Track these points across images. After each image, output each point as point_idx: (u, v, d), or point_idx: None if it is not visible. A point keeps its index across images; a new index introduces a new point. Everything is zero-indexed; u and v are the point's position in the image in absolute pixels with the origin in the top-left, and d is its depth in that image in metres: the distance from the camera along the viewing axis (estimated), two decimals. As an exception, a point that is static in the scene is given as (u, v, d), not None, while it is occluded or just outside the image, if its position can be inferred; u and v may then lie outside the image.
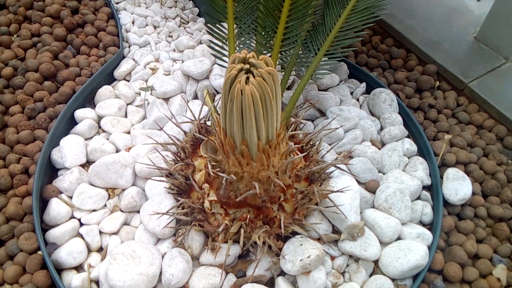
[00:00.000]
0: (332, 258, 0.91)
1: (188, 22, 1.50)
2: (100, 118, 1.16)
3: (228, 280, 0.87)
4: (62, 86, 1.20)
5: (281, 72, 1.10)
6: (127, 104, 1.21)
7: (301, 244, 0.86)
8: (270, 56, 1.01)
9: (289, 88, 1.25)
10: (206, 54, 1.27)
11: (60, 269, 0.91)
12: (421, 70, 1.34)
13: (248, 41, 1.07)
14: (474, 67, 1.32)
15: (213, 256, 0.88)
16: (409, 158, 1.10)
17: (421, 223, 1.00)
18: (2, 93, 1.18)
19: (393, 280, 0.88)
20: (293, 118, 1.04)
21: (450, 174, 1.03)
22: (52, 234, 0.93)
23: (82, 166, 1.05)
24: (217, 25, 1.07)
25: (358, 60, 1.37)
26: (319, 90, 1.23)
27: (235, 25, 1.04)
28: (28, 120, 1.14)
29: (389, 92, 1.18)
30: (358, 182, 1.00)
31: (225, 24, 1.05)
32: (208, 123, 1.03)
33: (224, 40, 1.07)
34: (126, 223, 0.99)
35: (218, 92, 1.21)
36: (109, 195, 1.01)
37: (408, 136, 1.15)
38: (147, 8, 1.52)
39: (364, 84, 1.26)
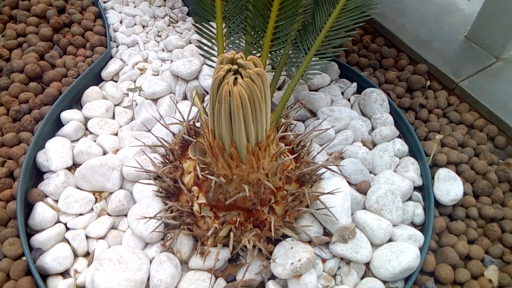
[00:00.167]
0: (323, 260, 0.90)
1: (177, 22, 1.48)
2: (87, 119, 1.13)
3: (217, 285, 0.86)
4: (48, 87, 1.18)
5: (271, 72, 1.08)
6: (115, 105, 1.18)
7: (292, 247, 0.85)
8: (260, 56, 1.00)
9: (279, 88, 1.23)
10: (196, 54, 1.26)
11: (45, 275, 0.89)
12: (412, 70, 1.33)
13: (237, 41, 1.06)
14: (465, 67, 1.32)
15: (202, 260, 0.87)
16: (400, 158, 1.09)
17: (413, 224, 0.99)
18: (-14, 95, 1.15)
19: (384, 282, 0.87)
20: (283, 119, 1.03)
21: (441, 174, 1.03)
22: (37, 239, 0.91)
23: (68, 169, 1.03)
24: (205, 24, 1.05)
25: (349, 60, 1.36)
26: (310, 90, 1.22)
27: (224, 25, 1.03)
28: (13, 122, 1.12)
29: (380, 92, 1.18)
30: (349, 183, 0.99)
31: (214, 24, 1.03)
32: (198, 124, 1.02)
33: (213, 40, 1.05)
34: (113, 227, 0.97)
35: (207, 93, 1.19)
36: (96, 198, 0.99)
37: (399, 136, 1.14)
38: (135, 7, 1.49)
39: (355, 84, 1.25)
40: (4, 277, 0.87)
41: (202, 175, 0.82)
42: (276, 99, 1.16)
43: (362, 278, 0.89)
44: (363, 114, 1.19)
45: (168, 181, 0.90)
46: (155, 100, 1.18)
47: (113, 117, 1.16)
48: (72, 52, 1.30)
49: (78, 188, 0.99)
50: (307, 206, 0.89)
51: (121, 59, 1.31)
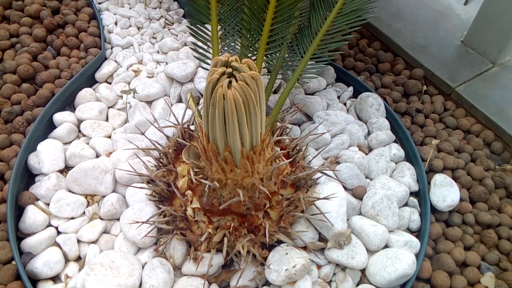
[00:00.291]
0: (319, 267, 0.89)
1: (172, 24, 1.47)
2: (80, 121, 1.12)
3: (211, 291, 0.85)
4: (40, 88, 1.16)
5: (267, 75, 1.07)
6: (108, 108, 1.17)
7: (287, 253, 0.84)
8: (255, 59, 0.99)
9: (275, 92, 1.23)
10: (191, 57, 1.25)
11: (35, 280, 0.87)
12: (408, 74, 1.33)
13: (232, 44, 1.05)
14: (461, 72, 1.31)
15: (195, 266, 0.85)
16: (396, 163, 1.08)
17: (409, 230, 0.98)
18: (-22, 96, 1.14)
19: (380, 289, 0.86)
20: (279, 123, 1.02)
21: (438, 180, 1.02)
22: (28, 243, 0.89)
23: (60, 171, 1.01)
24: (200, 27, 1.04)
25: (345, 64, 1.35)
26: (305, 94, 1.21)
27: (219, 27, 1.02)
28: (5, 123, 1.10)
29: (376, 96, 1.17)
30: (345, 188, 0.98)
31: (209, 26, 1.02)
32: (192, 127, 1.00)
33: (208, 43, 1.04)
34: (105, 232, 0.95)
35: (202, 96, 1.18)
36: (88, 202, 0.98)
37: (395, 141, 1.13)
38: (130, 8, 1.48)
39: (351, 88, 1.24)
40: (-7, 282, 0.85)
41: (196, 179, 0.81)
42: (271, 102, 1.15)
43: (357, 284, 0.88)
44: (359, 119, 1.18)
45: (162, 185, 0.88)
46: (149, 103, 1.17)
47: (107, 120, 1.15)
48: (65, 53, 1.28)
49: (70, 191, 0.97)
50: (303, 211, 0.88)
51: (116, 61, 1.29)
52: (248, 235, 0.84)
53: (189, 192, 0.88)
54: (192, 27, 1.05)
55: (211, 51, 1.03)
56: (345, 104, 1.22)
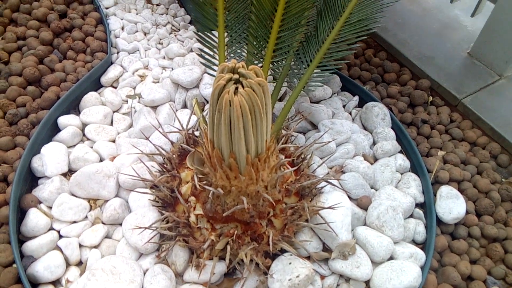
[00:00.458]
0: (322, 277, 0.88)
1: (179, 30, 1.48)
2: (84, 125, 1.12)
3: (212, 299, 0.84)
4: (46, 91, 1.16)
5: (273, 83, 1.07)
6: (113, 112, 1.17)
7: (290, 263, 0.83)
8: (261, 67, 0.98)
9: (280, 100, 1.22)
10: (196, 63, 1.25)
11: (36, 284, 0.86)
12: (414, 85, 1.32)
13: (239, 51, 1.05)
14: (467, 83, 1.31)
15: (197, 273, 0.84)
16: (401, 174, 1.08)
17: (414, 242, 0.97)
18: (-17, 97, 1.14)
19: (384, 301, 0.85)
20: (284, 131, 1.01)
21: (444, 192, 1.01)
22: (29, 246, 0.88)
23: (64, 175, 1.00)
24: (207, 33, 1.04)
25: (351, 73, 1.35)
26: (311, 102, 1.21)
27: (225, 34, 1.01)
28: (9, 125, 1.10)
29: (382, 106, 1.16)
30: (350, 198, 0.97)
31: (215, 33, 1.02)
32: (197, 133, 1.00)
33: (214, 49, 1.04)
34: (107, 236, 0.94)
35: (207, 102, 1.18)
36: (90, 206, 0.97)
37: (401, 152, 1.12)
38: (137, 14, 1.49)
39: (356, 98, 1.24)
40: (-8, 285, 0.84)
41: (200, 185, 0.81)
42: (277, 110, 1.14)
43: (361, 296, 0.87)
44: (365, 128, 1.17)
45: (165, 191, 0.88)
46: (154, 108, 1.17)
47: (111, 124, 1.15)
48: (72, 57, 1.28)
49: (72, 195, 0.97)
50: (307, 221, 0.87)
51: (121, 66, 1.29)
52: (252, 243, 0.83)
53: (192, 198, 0.87)
54: (199, 33, 1.05)
55: (217, 57, 1.03)
56: (350, 113, 1.21)
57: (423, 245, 0.96)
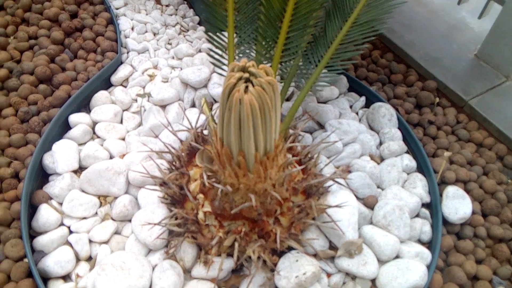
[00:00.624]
0: (328, 275, 0.88)
1: (188, 30, 1.49)
2: (94, 123, 1.13)
3: (220, 295, 0.85)
4: (57, 90, 1.18)
5: (281, 83, 1.08)
6: (123, 110, 1.18)
7: (297, 260, 0.84)
8: (270, 67, 0.99)
9: (288, 100, 1.23)
10: (205, 63, 1.26)
11: (46, 278, 0.88)
12: (421, 86, 1.33)
13: (248, 51, 1.06)
14: (474, 85, 1.31)
15: (205, 269, 0.85)
16: (408, 174, 1.08)
17: (420, 241, 0.98)
18: (-4, 95, 1.16)
19: (390, 299, 0.85)
20: (291, 130, 1.02)
21: (450, 192, 1.01)
22: (40, 241, 0.90)
23: (74, 172, 1.02)
24: (217, 33, 1.05)
25: (358, 74, 1.36)
26: (318, 102, 1.22)
27: (235, 34, 1.03)
28: (21, 123, 1.12)
29: (389, 106, 1.17)
30: (356, 198, 0.98)
31: (225, 33, 1.03)
32: (205, 132, 1.01)
33: (223, 49, 1.05)
34: (117, 232, 0.96)
35: (216, 101, 1.19)
36: (100, 202, 0.99)
37: (407, 152, 1.13)
38: (147, 14, 1.51)
39: (363, 98, 1.25)
40: (5, 278, 0.86)
41: (208, 182, 0.82)
42: (284, 110, 1.15)
43: (367, 294, 0.88)
44: (371, 129, 1.18)
45: (174, 188, 0.89)
46: (163, 107, 1.18)
47: (121, 122, 1.16)
48: (82, 56, 1.30)
49: (83, 191, 0.98)
50: (314, 219, 0.88)
51: (131, 65, 1.31)
52: (259, 241, 0.84)
53: (201, 195, 0.89)
54: (209, 33, 1.06)
55: (226, 57, 1.04)
56: (357, 114, 1.22)
57: (429, 245, 0.97)
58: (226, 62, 1.06)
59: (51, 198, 0.97)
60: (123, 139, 1.11)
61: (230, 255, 0.86)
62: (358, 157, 1.07)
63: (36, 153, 1.00)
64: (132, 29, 1.44)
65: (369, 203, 0.98)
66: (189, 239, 0.87)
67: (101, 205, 0.98)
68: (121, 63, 1.32)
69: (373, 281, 0.88)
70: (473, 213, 1.01)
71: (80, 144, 1.08)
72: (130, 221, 0.96)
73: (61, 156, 1.01)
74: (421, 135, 1.21)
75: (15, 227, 0.93)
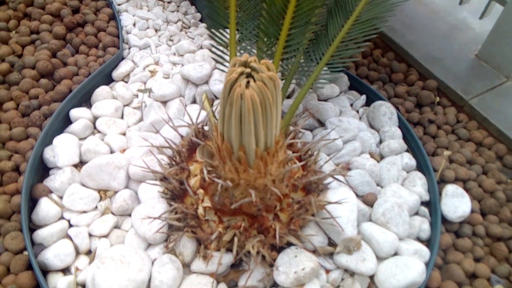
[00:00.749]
0: (327, 271, 0.89)
1: (189, 27, 1.49)
2: (95, 118, 1.14)
3: (219, 290, 0.85)
4: (58, 84, 1.18)
5: (282, 80, 1.08)
6: (124, 106, 1.19)
7: (296, 256, 0.84)
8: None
9: (289, 97, 1.23)
10: (207, 59, 1.26)
11: (46, 271, 0.88)
12: (421, 85, 1.33)
13: (249, 47, 1.06)
14: (474, 85, 1.32)
15: (204, 264, 0.86)
16: (408, 172, 1.08)
17: (419, 239, 0.98)
18: (-3, 89, 1.16)
19: (388, 296, 0.86)
20: (292, 127, 1.02)
21: (449, 190, 1.02)
22: (40, 234, 0.90)
23: (75, 166, 1.02)
24: (219, 30, 1.06)
25: (359, 73, 1.36)
26: (319, 100, 1.22)
27: (236, 31, 1.03)
28: (22, 117, 1.12)
29: (389, 105, 1.17)
30: (356, 195, 0.98)
31: (226, 29, 1.03)
32: (206, 128, 1.01)
33: (225, 45, 1.06)
34: (116, 227, 0.96)
35: (217, 98, 1.19)
36: (100, 197, 0.99)
37: (407, 151, 1.13)
38: (149, 11, 1.51)
39: (364, 97, 1.25)
40: (5, 270, 0.86)
41: (208, 177, 0.82)
42: (285, 107, 1.16)
43: (365, 291, 0.88)
44: (371, 127, 1.18)
45: (174, 183, 0.89)
46: (164, 103, 1.18)
47: (122, 117, 1.17)
48: (84, 52, 1.31)
49: (83, 185, 0.99)
50: (313, 215, 0.88)
51: (133, 61, 1.31)
52: (258, 236, 0.84)
53: (201, 191, 0.89)
54: (212, 30, 1.07)
55: (228, 53, 1.04)
56: (357, 112, 1.22)
57: (427, 243, 0.97)
58: (227, 58, 1.06)
59: (51, 192, 0.98)
60: (124, 134, 1.12)
61: (229, 250, 0.86)
62: (358, 155, 1.08)
63: (37, 147, 1.00)
64: (134, 25, 1.44)
65: (369, 200, 0.98)
66: (188, 234, 0.87)
67: (101, 199, 0.99)
68: (123, 58, 1.32)
69: (372, 277, 0.89)
70: (472, 211, 1.01)
71: (80, 139, 1.08)
72: (130, 215, 0.96)
73: (61, 150, 1.01)
74: (421, 134, 1.21)
75: (15, 220, 0.93)
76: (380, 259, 0.89)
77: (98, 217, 0.96)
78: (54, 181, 0.97)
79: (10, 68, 1.21)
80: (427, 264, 0.90)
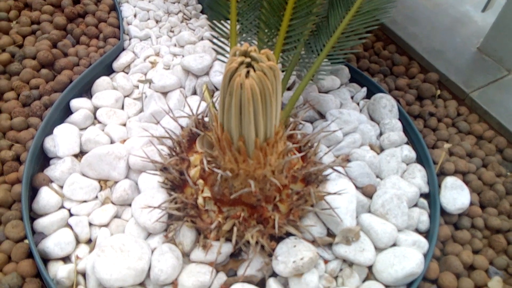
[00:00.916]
0: (326, 261, 0.89)
1: (190, 18, 1.49)
2: (96, 108, 1.14)
3: (218, 279, 0.85)
4: (59, 74, 1.19)
5: (282, 71, 1.08)
6: (125, 96, 1.19)
7: (295, 246, 0.85)
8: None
9: (289, 89, 1.23)
10: (207, 50, 1.26)
11: (46, 259, 0.89)
12: (422, 78, 1.33)
13: (249, 38, 1.06)
14: (476, 78, 1.31)
15: (204, 253, 0.86)
16: (407, 165, 1.09)
17: (417, 230, 0.98)
18: (-2, 79, 1.16)
19: (387, 287, 0.86)
20: (292, 118, 1.02)
21: (449, 182, 1.02)
22: (40, 223, 0.91)
23: (75, 156, 1.03)
24: (220, 20, 1.05)
25: (360, 65, 1.36)
26: (319, 92, 1.22)
27: (237, 22, 1.03)
28: (23, 107, 1.12)
29: (390, 98, 1.17)
30: (355, 187, 0.98)
31: (227, 20, 1.03)
32: (206, 119, 1.02)
33: (226, 36, 1.05)
34: (117, 216, 0.96)
35: (217, 89, 1.19)
36: (101, 186, 0.99)
37: (407, 143, 1.13)
38: (149, 2, 1.50)
39: (365, 89, 1.25)
40: (6, 258, 0.87)
41: (208, 168, 0.82)
42: (285, 99, 1.16)
43: (364, 281, 0.88)
44: (372, 119, 1.18)
45: (174, 173, 0.89)
46: (164, 94, 1.18)
47: (122, 108, 1.17)
48: (85, 42, 1.30)
49: (83, 175, 0.99)
50: (312, 206, 0.89)
51: (133, 52, 1.31)
52: (257, 226, 0.84)
53: (200, 181, 0.89)
54: (214, 21, 1.06)
55: (229, 44, 1.04)
56: (358, 104, 1.22)
57: (426, 234, 0.97)
58: (228, 49, 1.06)
59: (51, 181, 0.98)
60: (124, 124, 1.12)
61: (228, 239, 0.86)
62: (358, 147, 1.08)
63: (37, 137, 1.01)
64: (135, 16, 1.44)
65: (368, 192, 0.99)
66: (188, 223, 0.88)
67: (101, 189, 0.99)
68: (123, 49, 1.32)
69: (370, 268, 0.89)
70: (471, 204, 1.02)
71: (81, 129, 1.08)
72: (130, 205, 0.96)
73: (62, 140, 1.01)
74: (422, 126, 1.21)
75: (15, 209, 0.94)
76: (378, 249, 0.90)
77: (98, 207, 0.96)
78: (54, 170, 0.98)
79: (10, 58, 1.21)
80: (425, 255, 0.90)
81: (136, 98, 1.19)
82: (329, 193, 0.88)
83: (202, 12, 1.52)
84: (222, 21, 1.06)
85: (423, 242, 0.92)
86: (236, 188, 0.82)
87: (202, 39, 1.36)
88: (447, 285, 0.89)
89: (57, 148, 1.01)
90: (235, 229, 0.84)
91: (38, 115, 1.10)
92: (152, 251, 0.87)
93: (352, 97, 1.24)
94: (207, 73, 1.20)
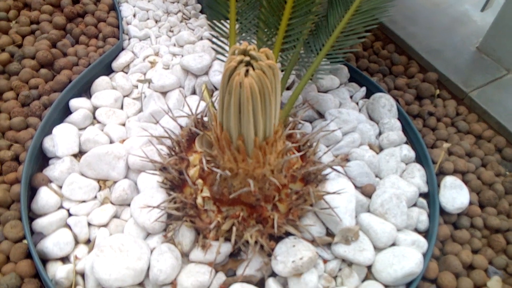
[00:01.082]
0: (325, 261, 0.89)
1: (190, 18, 1.49)
2: (95, 108, 1.14)
3: (217, 279, 0.85)
4: (58, 74, 1.18)
5: (282, 71, 1.08)
6: (124, 96, 1.19)
7: (294, 245, 0.85)
8: (271, 53, 0.99)
9: (288, 88, 1.23)
10: (207, 50, 1.26)
11: (45, 260, 0.89)
12: (421, 78, 1.33)
13: (249, 38, 1.06)
14: (475, 77, 1.31)
15: (203, 253, 0.86)
16: (406, 164, 1.09)
17: (416, 230, 0.98)
18: (-3, 79, 1.16)
19: (386, 286, 0.86)
20: (291, 118, 1.02)
21: (448, 182, 1.02)
22: (39, 223, 0.90)
23: (74, 156, 1.03)
24: (219, 20, 1.05)
25: (359, 65, 1.36)
26: (318, 91, 1.22)
27: (236, 21, 1.03)
28: (22, 107, 1.12)
29: (389, 97, 1.17)
30: (355, 186, 0.98)
31: (226, 20, 1.03)
32: (205, 119, 1.01)
33: (225, 35, 1.05)
34: (116, 216, 0.96)
35: (216, 89, 1.19)
36: (100, 186, 0.99)
37: (406, 143, 1.13)
38: (149, 1, 1.50)
39: (364, 89, 1.25)
40: (4, 259, 0.87)
41: (207, 167, 0.82)
42: (284, 98, 1.16)
43: (363, 281, 0.88)
44: (371, 119, 1.18)
45: (173, 173, 0.89)
46: (164, 93, 1.18)
47: (122, 108, 1.17)
48: (84, 42, 1.30)
49: (82, 175, 0.99)
50: (311, 205, 0.88)
51: (133, 52, 1.31)
52: (257, 226, 0.84)
53: (199, 181, 0.89)
54: (214, 21, 1.06)
55: (228, 43, 1.04)
56: (357, 104, 1.22)
57: (425, 234, 0.97)
58: (227, 49, 1.06)
59: (50, 181, 0.98)
60: (123, 124, 1.12)
61: (228, 239, 0.86)
62: (357, 146, 1.08)
63: (37, 137, 1.01)
64: (134, 15, 1.44)
65: (367, 191, 0.99)
66: (187, 223, 0.87)
67: (100, 189, 0.99)
68: (123, 49, 1.32)
69: (369, 267, 0.89)
70: (471, 203, 1.02)
71: (80, 129, 1.08)
72: (129, 205, 0.96)
73: (61, 139, 1.01)
74: (421, 126, 1.21)
75: (14, 209, 0.94)
76: (377, 249, 0.90)
77: (97, 207, 0.96)
78: (53, 170, 0.98)
79: (10, 58, 1.21)
80: (424, 255, 0.90)
81: (135, 98, 1.19)
82: (328, 193, 0.88)
83: (201, 11, 1.52)
84: (222, 21, 1.06)
85: (422, 241, 0.92)
86: (235, 188, 0.82)
87: (201, 38, 1.36)
88: (446, 284, 0.89)
89: (56, 148, 1.01)
90: (234, 228, 0.84)
91: (37, 115, 1.10)
92: (151, 251, 0.86)
93: (351, 97, 1.24)
94: (206, 73, 1.20)
